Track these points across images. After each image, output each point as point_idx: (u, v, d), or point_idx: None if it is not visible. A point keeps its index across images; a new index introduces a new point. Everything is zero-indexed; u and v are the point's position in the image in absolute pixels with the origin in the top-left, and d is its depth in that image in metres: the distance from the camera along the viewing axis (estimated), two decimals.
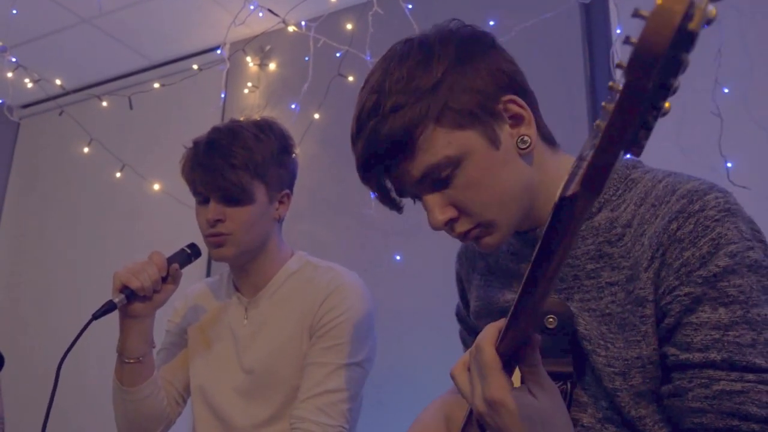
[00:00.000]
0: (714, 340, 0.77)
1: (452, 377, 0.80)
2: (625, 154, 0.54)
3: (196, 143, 1.48)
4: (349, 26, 2.64)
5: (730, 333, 0.77)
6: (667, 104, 0.51)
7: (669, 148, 2.03)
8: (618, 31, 2.14)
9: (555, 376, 0.85)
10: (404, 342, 2.24)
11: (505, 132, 0.88)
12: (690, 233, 0.80)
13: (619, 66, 0.51)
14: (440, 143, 0.85)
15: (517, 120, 0.89)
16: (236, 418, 1.47)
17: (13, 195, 3.70)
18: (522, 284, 0.66)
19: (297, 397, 1.40)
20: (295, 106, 2.72)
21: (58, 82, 3.16)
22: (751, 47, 2.00)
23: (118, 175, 3.09)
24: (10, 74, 3.08)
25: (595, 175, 0.54)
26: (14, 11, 2.86)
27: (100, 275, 3.12)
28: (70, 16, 2.97)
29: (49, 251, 3.42)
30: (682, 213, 0.81)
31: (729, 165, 1.91)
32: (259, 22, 2.82)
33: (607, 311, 0.86)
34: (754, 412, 0.75)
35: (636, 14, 0.49)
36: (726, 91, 1.97)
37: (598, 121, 0.55)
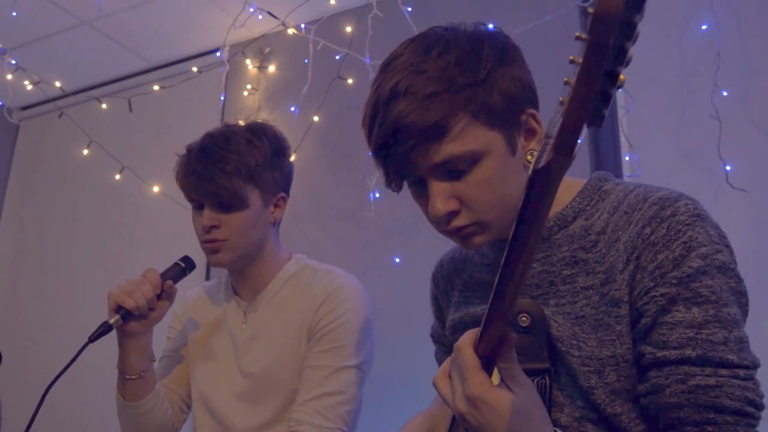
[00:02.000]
0: (689, 338, 0.81)
1: (434, 385, 0.83)
2: (588, 123, 0.57)
3: (189, 149, 1.48)
4: (348, 29, 2.64)
5: (703, 331, 0.81)
6: (622, 77, 0.55)
7: (668, 151, 2.04)
8: None
9: (533, 373, 0.88)
10: (403, 344, 2.24)
11: (520, 142, 0.92)
12: (663, 237, 0.84)
13: (578, 38, 0.54)
14: (471, 136, 0.87)
15: (531, 134, 0.93)
16: (236, 422, 1.47)
17: (12, 197, 3.70)
18: (500, 267, 0.68)
19: (295, 400, 1.40)
20: (295, 109, 2.72)
21: (57, 84, 3.16)
22: (750, 50, 2.00)
23: (117, 177, 3.09)
24: (9, 76, 3.08)
25: (565, 139, 0.58)
26: (14, 13, 2.86)
27: (100, 277, 3.13)
28: (69, 18, 2.97)
29: (48, 253, 3.42)
30: (654, 218, 0.86)
31: (728, 168, 1.91)
32: (259, 24, 2.82)
33: (582, 314, 0.90)
34: (728, 405, 0.79)
35: None
36: (725, 94, 1.98)
37: (561, 98, 0.58)
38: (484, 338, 0.75)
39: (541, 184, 0.61)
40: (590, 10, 0.52)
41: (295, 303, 1.48)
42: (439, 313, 1.20)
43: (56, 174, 3.52)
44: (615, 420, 0.87)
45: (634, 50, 0.54)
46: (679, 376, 0.81)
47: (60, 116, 3.16)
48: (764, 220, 1.87)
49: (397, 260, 2.39)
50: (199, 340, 1.58)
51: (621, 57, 0.53)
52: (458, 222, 0.91)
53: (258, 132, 1.49)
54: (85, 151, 3.19)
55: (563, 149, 0.58)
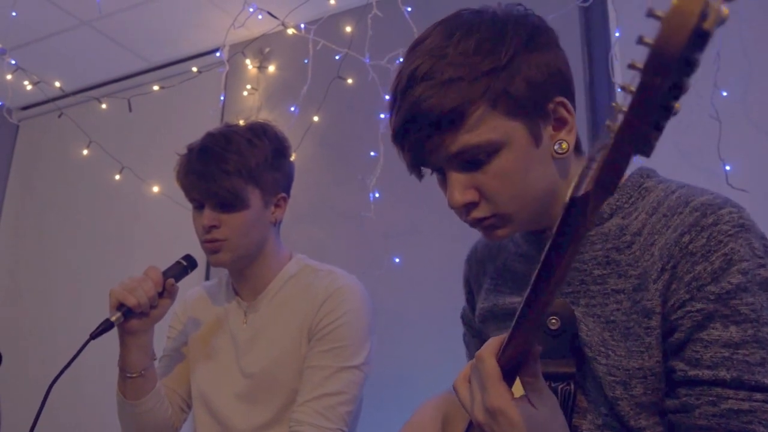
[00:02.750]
0: (724, 358, 0.77)
1: (454, 389, 0.80)
2: (636, 154, 0.54)
3: (189, 149, 1.48)
4: (348, 29, 2.64)
5: (740, 351, 0.76)
6: (677, 105, 0.51)
7: (668, 152, 2.04)
8: (617, 34, 2.14)
9: (558, 377, 0.85)
10: (403, 344, 2.24)
11: (547, 132, 0.87)
12: (702, 247, 0.79)
13: (631, 66, 0.50)
14: (488, 126, 0.83)
15: (560, 123, 0.88)
16: (236, 422, 1.47)
17: (12, 197, 3.70)
18: (529, 286, 0.66)
19: (296, 400, 1.40)
20: (295, 109, 2.72)
21: (57, 84, 3.16)
22: (750, 51, 2.00)
23: (117, 177, 3.09)
24: (9, 76, 3.08)
25: (609, 173, 0.55)
26: (14, 13, 2.86)
27: (100, 277, 3.13)
28: (69, 18, 2.97)
29: (48, 253, 3.42)
30: (695, 226, 0.80)
31: (728, 168, 1.91)
32: (259, 24, 2.82)
33: (612, 318, 0.85)
34: None
35: (650, 14, 0.48)
36: (725, 94, 1.98)
37: (608, 122, 0.55)
38: (509, 349, 0.72)
39: (577, 214, 0.58)
40: (648, 41, 0.48)
41: (295, 303, 1.48)
42: (470, 297, 1.17)
43: (56, 174, 3.52)
44: None
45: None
46: (710, 398, 0.77)
47: (60, 116, 3.16)
48: (764, 220, 1.87)
49: (397, 260, 2.39)
50: (199, 339, 1.58)
51: (677, 92, 0.50)
52: (477, 213, 0.88)
53: (259, 132, 1.49)
54: (85, 151, 3.19)
55: (603, 185, 0.55)
